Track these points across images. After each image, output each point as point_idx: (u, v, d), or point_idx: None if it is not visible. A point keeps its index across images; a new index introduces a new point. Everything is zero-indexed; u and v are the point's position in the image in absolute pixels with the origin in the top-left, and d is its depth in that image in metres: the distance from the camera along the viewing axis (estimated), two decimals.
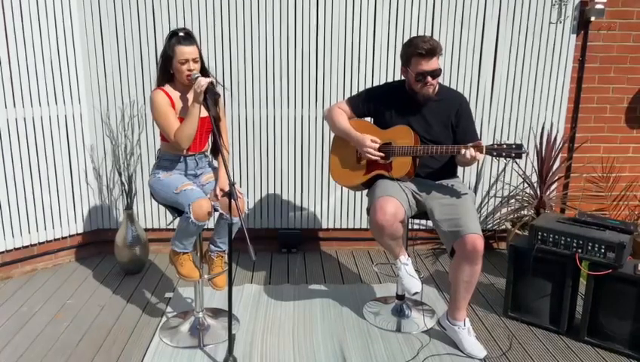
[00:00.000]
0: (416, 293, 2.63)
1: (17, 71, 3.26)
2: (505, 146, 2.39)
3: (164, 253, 3.76)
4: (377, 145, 2.66)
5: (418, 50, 2.51)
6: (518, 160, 2.45)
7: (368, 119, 2.87)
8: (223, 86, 3.58)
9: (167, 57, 2.52)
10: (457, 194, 2.65)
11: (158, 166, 2.68)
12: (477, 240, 2.44)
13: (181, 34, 2.50)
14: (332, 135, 2.91)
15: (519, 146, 2.37)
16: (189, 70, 2.50)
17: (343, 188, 3.66)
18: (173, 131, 2.52)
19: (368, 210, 2.65)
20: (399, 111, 2.71)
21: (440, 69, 2.58)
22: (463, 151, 2.44)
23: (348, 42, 3.62)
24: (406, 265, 2.66)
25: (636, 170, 3.93)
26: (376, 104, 2.77)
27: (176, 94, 2.60)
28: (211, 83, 2.46)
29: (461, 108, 2.69)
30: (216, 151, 2.74)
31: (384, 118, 2.74)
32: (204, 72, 2.59)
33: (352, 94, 3.10)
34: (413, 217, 2.78)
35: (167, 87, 2.59)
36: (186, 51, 2.48)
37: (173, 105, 2.57)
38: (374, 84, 3.58)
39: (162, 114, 2.53)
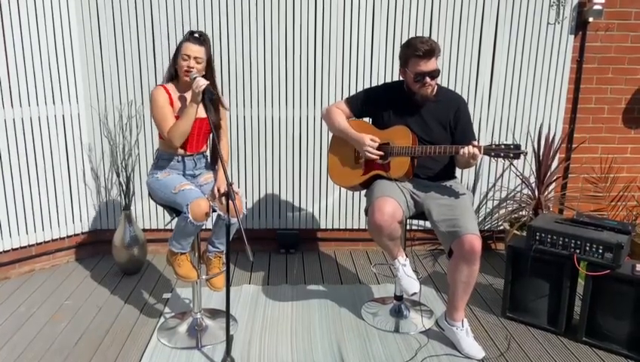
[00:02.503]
0: (414, 294, 2.62)
1: (15, 71, 3.25)
2: (503, 146, 2.40)
3: (162, 254, 3.76)
4: (377, 144, 2.66)
5: (416, 51, 2.51)
6: (516, 160, 2.45)
7: (367, 119, 2.87)
8: (224, 91, 3.58)
9: (175, 51, 2.56)
10: (455, 194, 2.65)
11: (156, 166, 2.68)
12: (475, 241, 2.44)
13: (196, 35, 2.55)
14: (330, 135, 2.91)
15: (517, 146, 2.37)
16: (189, 67, 2.51)
17: (342, 188, 3.67)
18: (167, 127, 2.53)
19: (366, 211, 2.65)
20: (398, 112, 2.71)
21: (438, 70, 2.58)
22: (461, 151, 2.44)
23: (346, 43, 3.62)
24: (404, 265, 2.66)
25: (634, 171, 3.94)
26: (375, 104, 2.77)
27: (177, 93, 2.61)
28: (209, 85, 2.48)
29: (460, 109, 2.68)
30: (215, 152, 2.74)
31: (382, 118, 2.74)
32: (211, 80, 2.58)
33: (351, 93, 3.10)
34: (412, 218, 2.78)
35: (170, 85, 2.61)
36: (192, 49, 2.51)
37: (171, 102, 2.58)
38: (373, 85, 3.59)
39: (159, 109, 2.55)
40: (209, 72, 2.61)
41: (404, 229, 2.96)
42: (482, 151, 2.42)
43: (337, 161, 2.85)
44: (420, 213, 2.73)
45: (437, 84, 2.66)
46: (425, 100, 2.63)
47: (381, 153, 2.66)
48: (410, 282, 2.63)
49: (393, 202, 2.53)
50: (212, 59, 2.60)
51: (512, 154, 2.38)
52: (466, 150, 2.43)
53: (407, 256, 2.71)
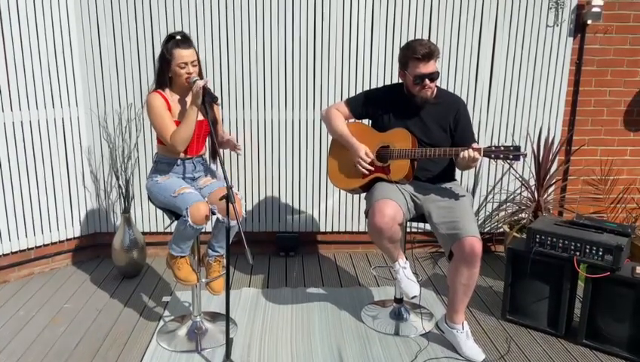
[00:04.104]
0: (414, 297, 2.62)
1: (14, 74, 3.26)
2: (503, 148, 2.39)
3: (162, 257, 3.75)
4: (370, 160, 2.67)
5: (415, 53, 2.52)
6: (516, 162, 2.45)
7: (366, 121, 2.87)
8: (221, 89, 3.59)
9: (165, 61, 2.52)
10: (455, 196, 2.65)
11: (156, 169, 2.68)
12: (475, 243, 2.44)
13: (178, 37, 2.51)
14: (330, 138, 2.91)
15: (517, 148, 2.37)
16: (188, 73, 2.50)
17: (341, 191, 3.67)
18: (169, 134, 2.52)
19: (367, 213, 2.65)
20: (398, 114, 2.71)
21: (438, 72, 2.59)
22: (461, 153, 2.44)
23: (346, 45, 3.63)
24: (404, 268, 2.65)
25: (633, 173, 3.94)
26: (375, 106, 2.77)
27: (173, 97, 2.60)
28: (206, 83, 2.47)
29: (459, 112, 2.69)
30: (214, 154, 2.74)
31: (382, 120, 2.75)
32: (201, 76, 2.59)
33: (351, 95, 3.11)
34: (412, 220, 2.77)
35: (165, 90, 2.59)
36: (185, 55, 2.49)
37: (169, 108, 2.57)
38: (372, 87, 3.59)
39: (158, 116, 2.53)
40: (200, 68, 2.59)
41: (404, 232, 2.96)
42: (482, 154, 2.42)
43: (337, 164, 2.85)
44: (420, 216, 2.73)
45: (436, 86, 2.67)
46: (425, 102, 2.63)
47: (371, 168, 2.68)
48: (410, 285, 2.62)
49: (394, 204, 2.53)
50: (198, 55, 2.58)
51: (511, 156, 2.38)
52: (466, 153, 2.43)
53: (407, 259, 2.70)
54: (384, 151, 2.68)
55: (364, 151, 2.68)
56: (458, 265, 2.52)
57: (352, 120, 2.85)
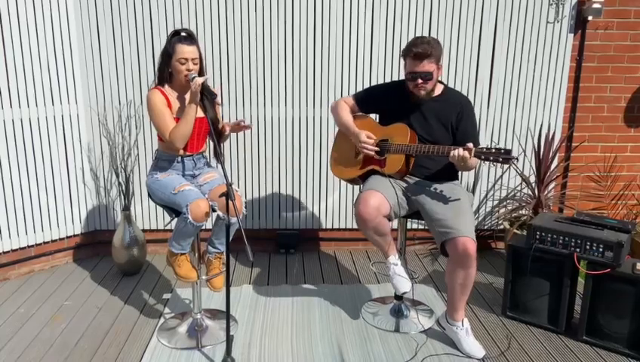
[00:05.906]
0: (405, 293, 2.66)
1: (14, 72, 3.25)
2: (494, 150, 2.34)
3: (162, 254, 3.75)
4: (372, 141, 2.68)
5: (409, 52, 2.54)
6: (505, 165, 2.41)
7: (373, 116, 2.89)
8: (222, 87, 3.58)
9: (167, 55, 2.52)
10: (453, 195, 2.63)
11: (156, 166, 2.68)
12: (468, 243, 2.42)
13: (183, 34, 2.51)
14: (332, 133, 2.92)
15: (508, 152, 2.31)
16: (188, 70, 2.50)
17: (342, 188, 3.67)
18: (168, 130, 2.52)
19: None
20: (401, 110, 2.71)
21: (430, 72, 2.53)
22: (451, 153, 2.41)
23: (346, 42, 3.62)
24: (395, 265, 2.67)
25: (634, 170, 3.94)
26: (380, 101, 2.79)
27: (173, 94, 2.59)
28: (206, 81, 2.47)
29: (463, 111, 2.65)
30: (217, 154, 2.74)
31: (387, 115, 2.77)
32: (202, 74, 2.58)
33: (351, 93, 3.11)
34: (408, 217, 2.79)
35: (165, 87, 2.59)
36: (187, 51, 2.48)
37: (169, 104, 2.56)
38: (372, 84, 3.59)
39: (158, 112, 2.53)
40: (201, 67, 2.59)
41: (404, 228, 2.97)
42: (472, 154, 2.39)
43: (339, 155, 2.90)
44: (415, 213, 2.73)
45: (445, 85, 2.68)
46: (421, 100, 2.63)
47: (376, 149, 2.68)
48: (400, 281, 2.64)
49: (379, 196, 2.54)
50: (201, 53, 2.57)
51: (501, 159, 2.32)
52: (456, 152, 2.39)
53: (400, 255, 2.72)
54: (383, 144, 2.69)
55: (365, 134, 2.69)
56: (453, 265, 2.52)
57: (360, 113, 2.87)
